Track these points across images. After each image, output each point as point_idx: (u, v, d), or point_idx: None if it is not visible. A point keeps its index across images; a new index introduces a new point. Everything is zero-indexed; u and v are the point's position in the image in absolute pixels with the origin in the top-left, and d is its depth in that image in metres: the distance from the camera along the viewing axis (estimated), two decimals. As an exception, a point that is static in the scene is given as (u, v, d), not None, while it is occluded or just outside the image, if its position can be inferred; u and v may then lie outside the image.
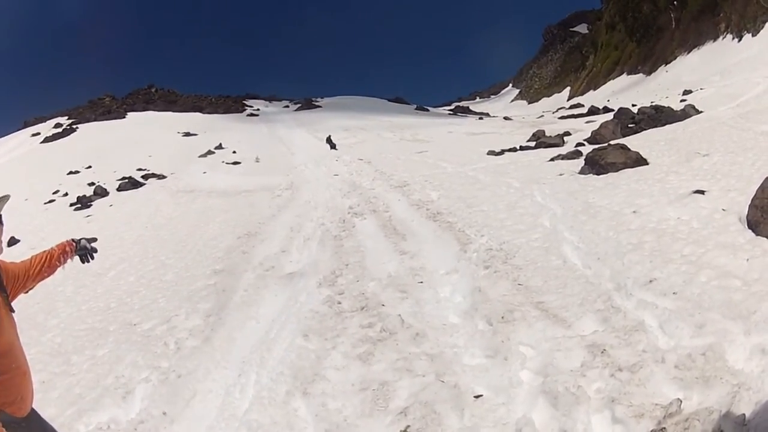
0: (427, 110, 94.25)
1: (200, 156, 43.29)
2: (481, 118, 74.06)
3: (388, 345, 6.37)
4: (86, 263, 4.54)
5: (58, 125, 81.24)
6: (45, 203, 30.97)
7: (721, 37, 60.14)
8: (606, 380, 4.63)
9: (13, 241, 20.81)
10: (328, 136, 41.43)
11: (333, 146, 38.93)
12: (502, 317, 6.34)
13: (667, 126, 20.76)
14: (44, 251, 4.25)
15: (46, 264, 4.16)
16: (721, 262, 6.17)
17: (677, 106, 25.85)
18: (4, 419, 3.17)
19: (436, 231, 11.24)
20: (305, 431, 5.05)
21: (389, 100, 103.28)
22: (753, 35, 54.35)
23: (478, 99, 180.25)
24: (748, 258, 6.05)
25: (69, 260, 4.38)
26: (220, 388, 6.18)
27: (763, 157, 10.90)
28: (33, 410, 3.57)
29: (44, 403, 5.86)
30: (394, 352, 6.15)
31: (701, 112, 23.20)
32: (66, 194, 32.18)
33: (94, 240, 4.61)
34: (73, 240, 4.45)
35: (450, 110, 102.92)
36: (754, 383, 4.04)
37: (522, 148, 24.74)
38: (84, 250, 4.47)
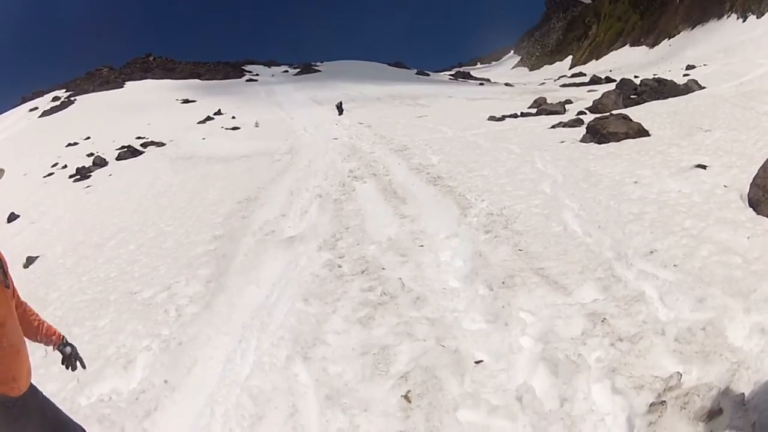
0: (428, 75, 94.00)
1: (199, 122, 43.31)
2: (482, 84, 73.90)
3: (389, 309, 6.38)
4: (63, 365, 4.14)
5: (55, 99, 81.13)
6: (44, 177, 30.94)
7: (725, 16, 59.97)
8: (606, 350, 4.64)
9: (13, 217, 20.87)
10: (339, 102, 41.51)
11: (341, 112, 39.05)
12: (503, 282, 6.35)
13: (669, 99, 20.68)
14: (36, 314, 3.97)
15: (32, 324, 3.89)
16: (721, 238, 6.14)
17: (680, 80, 25.78)
18: None
19: (437, 195, 11.22)
20: (306, 396, 5.06)
21: (389, 65, 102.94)
22: (758, 17, 54.33)
23: (479, 65, 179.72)
24: (748, 236, 6.02)
25: (46, 345, 4.06)
26: (221, 354, 6.18)
27: (765, 137, 10.80)
28: (31, 388, 3.52)
29: (46, 378, 5.87)
30: (394, 316, 6.16)
31: (704, 87, 23.17)
32: (65, 167, 32.15)
33: (79, 358, 4.18)
34: (64, 338, 4.11)
35: (451, 75, 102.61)
36: (753, 362, 4.04)
37: (523, 115, 24.71)
38: (67, 358, 4.08)
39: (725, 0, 60.75)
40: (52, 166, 33.32)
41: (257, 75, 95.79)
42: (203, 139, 33.01)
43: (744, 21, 55.76)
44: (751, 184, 7.22)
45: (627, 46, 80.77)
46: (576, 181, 10.04)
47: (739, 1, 57.96)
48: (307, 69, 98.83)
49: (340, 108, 39.98)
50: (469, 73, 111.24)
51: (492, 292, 6.24)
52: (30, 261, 13.81)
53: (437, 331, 5.64)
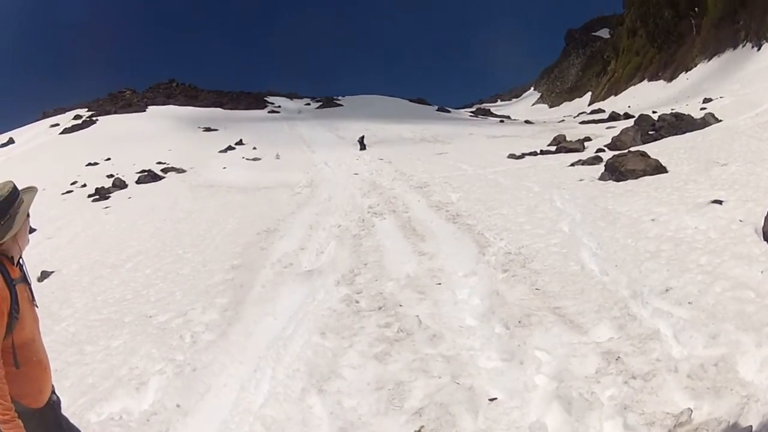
0: (449, 111, 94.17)
1: (220, 151, 43.50)
2: (502, 121, 73.98)
3: (405, 345, 6.39)
4: None
5: (77, 117, 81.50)
6: (63, 194, 31.08)
7: (740, 46, 59.61)
8: (619, 387, 4.65)
9: (29, 230, 20.98)
10: (360, 137, 41.38)
11: (363, 147, 39.00)
12: (519, 321, 6.36)
13: (686, 134, 20.68)
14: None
15: None
16: (736, 273, 6.17)
17: (697, 114, 25.73)
18: (19, 410, 3.21)
19: (455, 233, 11.25)
20: (320, 428, 5.09)
21: (411, 101, 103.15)
22: (772, 44, 53.89)
23: (499, 101, 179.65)
24: (762, 270, 6.04)
25: None
26: (235, 382, 6.20)
27: (780, 169, 10.84)
28: (51, 400, 3.58)
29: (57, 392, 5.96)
30: (410, 353, 6.18)
31: (720, 120, 23.09)
32: (84, 185, 32.29)
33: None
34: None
35: (471, 112, 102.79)
36: (763, 395, 4.06)
37: (542, 152, 24.71)
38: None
39: (740, 29, 60.43)
40: (72, 184, 33.44)
41: (279, 107, 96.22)
42: (224, 168, 33.21)
43: (759, 50, 55.31)
44: (766, 218, 7.23)
45: (645, 81, 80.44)
46: (594, 219, 10.04)
47: (753, 29, 57.64)
48: (329, 102, 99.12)
49: (361, 143, 39.88)
50: (489, 110, 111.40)
51: (508, 330, 6.25)
52: (45, 275, 13.88)
53: (452, 368, 5.65)
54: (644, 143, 20.17)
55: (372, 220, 13.87)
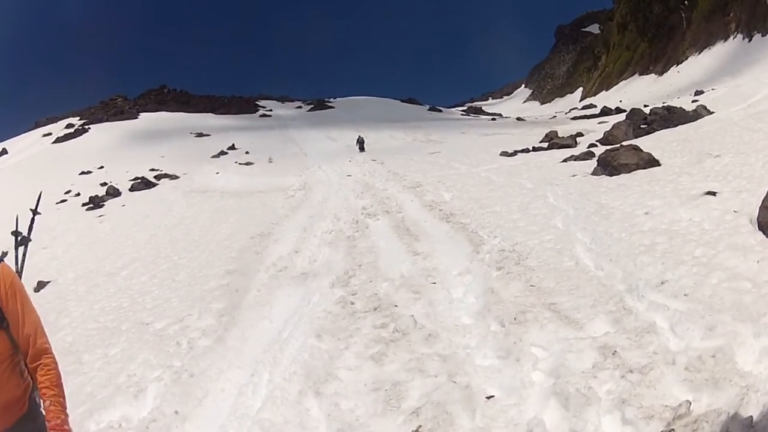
0: (440, 111, 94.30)
1: (213, 156, 43.67)
2: (493, 119, 74.07)
3: (401, 345, 6.37)
4: None
5: (69, 125, 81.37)
6: (57, 203, 31.08)
7: (731, 37, 59.67)
8: (617, 381, 4.62)
9: (24, 241, 20.94)
10: (359, 137, 41.19)
11: (362, 148, 38.83)
12: (515, 318, 6.33)
13: (679, 127, 20.66)
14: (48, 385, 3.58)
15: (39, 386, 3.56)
16: (731, 264, 6.14)
17: (689, 107, 25.72)
18: None
19: (449, 232, 11.25)
20: (317, 430, 5.07)
21: (402, 101, 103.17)
22: (763, 35, 53.92)
23: (490, 100, 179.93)
24: (758, 260, 6.02)
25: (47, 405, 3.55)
26: (233, 387, 6.21)
27: (773, 159, 10.83)
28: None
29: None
30: (406, 353, 6.15)
31: (713, 112, 23.09)
32: (78, 194, 32.39)
33: None
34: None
35: (463, 111, 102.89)
36: (762, 385, 4.02)
37: (535, 149, 24.73)
38: None
39: (730, 21, 60.50)
40: (65, 193, 33.54)
41: (270, 110, 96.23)
42: (217, 173, 33.28)
43: (750, 41, 55.32)
44: (760, 207, 7.21)
45: (636, 75, 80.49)
46: (588, 214, 10.03)
47: (744, 21, 57.71)
48: (320, 105, 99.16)
49: (361, 144, 39.64)
50: (481, 108, 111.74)
51: (504, 328, 6.23)
52: (41, 285, 13.89)
53: (449, 367, 5.63)
54: (636, 137, 20.18)
55: (366, 221, 13.89)
